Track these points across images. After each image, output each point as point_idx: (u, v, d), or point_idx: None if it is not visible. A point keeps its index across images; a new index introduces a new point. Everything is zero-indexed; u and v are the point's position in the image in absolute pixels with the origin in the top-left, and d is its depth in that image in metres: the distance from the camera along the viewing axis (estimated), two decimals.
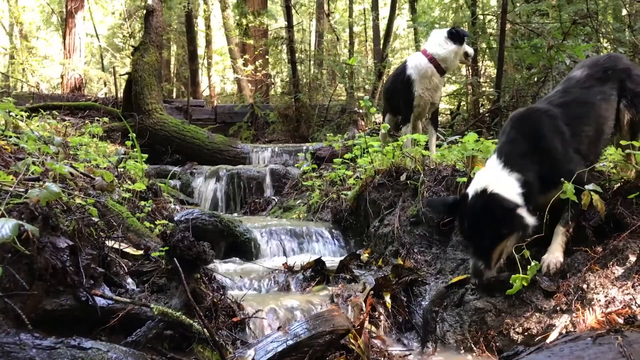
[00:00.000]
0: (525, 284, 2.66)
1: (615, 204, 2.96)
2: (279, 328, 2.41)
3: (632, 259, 2.57)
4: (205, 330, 2.20)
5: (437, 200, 3.36)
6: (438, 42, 5.11)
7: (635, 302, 2.20)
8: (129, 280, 2.63)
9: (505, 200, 2.64)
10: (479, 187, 2.75)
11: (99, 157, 4.97)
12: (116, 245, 2.80)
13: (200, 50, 20.59)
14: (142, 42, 9.63)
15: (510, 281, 2.59)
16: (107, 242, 2.69)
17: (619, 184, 3.04)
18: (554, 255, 2.86)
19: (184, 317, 2.35)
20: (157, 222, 3.54)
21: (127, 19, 17.45)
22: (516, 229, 2.67)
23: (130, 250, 2.85)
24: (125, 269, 2.66)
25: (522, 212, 2.64)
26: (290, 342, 2.27)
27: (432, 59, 5.01)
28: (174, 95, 20.61)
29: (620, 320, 1.93)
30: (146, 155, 5.43)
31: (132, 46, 10.79)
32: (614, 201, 2.98)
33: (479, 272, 2.77)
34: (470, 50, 5.43)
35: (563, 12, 8.15)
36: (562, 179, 2.72)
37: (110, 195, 3.53)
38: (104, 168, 4.48)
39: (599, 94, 3.19)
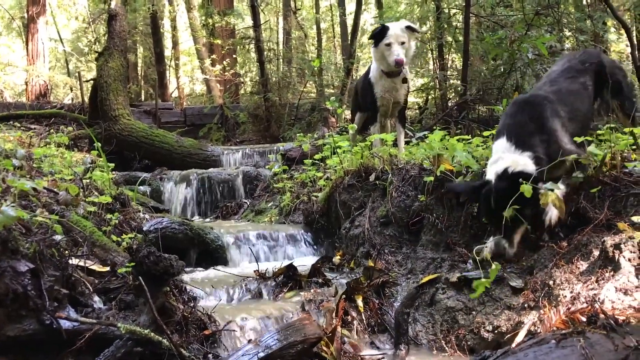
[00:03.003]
0: (488, 286, 2.69)
1: (579, 199, 3.01)
2: (249, 340, 2.39)
3: (596, 253, 2.61)
4: (173, 345, 2.18)
5: (460, 185, 3.42)
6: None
7: (599, 298, 2.24)
8: (96, 298, 2.59)
9: (528, 174, 2.79)
10: (500, 169, 2.92)
11: (65, 169, 4.88)
12: (81, 263, 2.74)
13: (168, 52, 20.33)
14: (106, 47, 9.48)
15: (473, 286, 2.62)
16: (72, 260, 2.64)
17: (581, 178, 3.09)
18: (553, 211, 2.91)
19: (152, 334, 2.32)
20: (124, 236, 3.48)
21: (91, 23, 17.14)
22: (538, 206, 2.80)
23: (97, 267, 2.80)
24: (91, 287, 2.61)
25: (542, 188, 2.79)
26: (261, 355, 2.26)
27: None
28: (142, 97, 20.29)
29: (584, 319, 1.96)
30: (113, 165, 5.34)
31: (96, 51, 10.61)
32: (577, 195, 3.04)
33: (501, 252, 2.87)
34: (390, 56, 4.74)
35: (526, 3, 8.25)
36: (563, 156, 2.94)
37: (75, 210, 3.47)
38: (69, 180, 4.41)
39: (581, 84, 3.52)
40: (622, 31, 8.97)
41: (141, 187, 7.00)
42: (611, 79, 3.68)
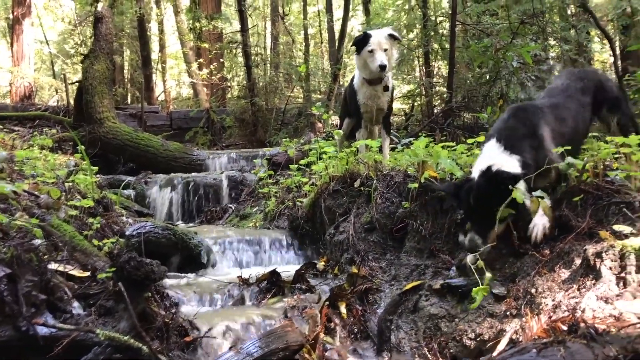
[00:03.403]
0: (485, 294, 2.69)
1: (561, 207, 3.02)
2: (231, 347, 2.37)
3: (577, 261, 2.62)
4: (152, 353, 2.15)
5: (443, 185, 3.45)
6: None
7: (580, 307, 2.25)
8: (75, 304, 2.55)
9: (510, 174, 2.81)
10: (484, 166, 2.94)
11: (47, 172, 4.83)
12: (61, 268, 2.71)
13: (155, 55, 20.25)
14: (91, 50, 9.42)
15: (472, 294, 2.62)
16: (51, 265, 2.61)
17: (564, 188, 3.10)
18: (543, 220, 2.92)
19: (132, 340, 2.29)
20: (105, 240, 3.44)
21: (77, 26, 17.02)
22: (519, 207, 2.83)
23: (76, 273, 2.77)
24: (71, 293, 2.57)
25: (525, 194, 2.81)
26: None
27: None
28: (129, 100, 20.16)
29: (565, 328, 1.96)
30: (96, 168, 5.29)
31: (82, 54, 10.54)
32: (560, 204, 3.05)
33: (474, 246, 2.88)
34: (373, 62, 4.73)
35: (511, 11, 8.33)
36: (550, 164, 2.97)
37: (56, 214, 3.42)
38: (52, 183, 4.35)
39: (578, 103, 3.61)
40: (606, 41, 9.06)
41: (125, 191, 6.95)
42: (607, 95, 3.81)
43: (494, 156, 2.99)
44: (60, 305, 2.46)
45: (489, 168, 2.92)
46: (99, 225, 3.71)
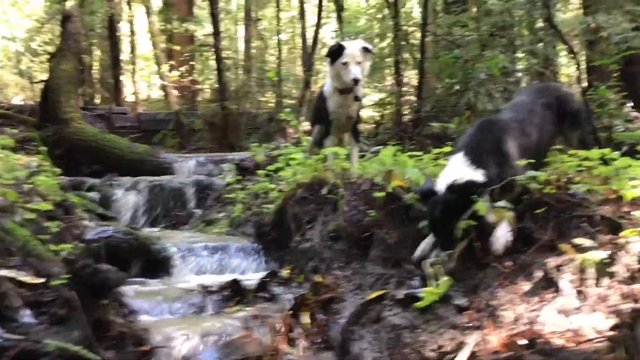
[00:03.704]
0: (437, 299, 2.70)
1: (524, 219, 3.05)
2: (187, 359, 2.31)
3: (539, 274, 2.64)
4: None
5: (421, 189, 3.38)
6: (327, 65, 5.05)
7: (539, 320, 2.26)
8: (26, 312, 2.46)
9: (476, 183, 2.86)
10: (450, 180, 2.96)
11: (6, 172, 4.68)
12: (12, 274, 2.61)
13: (125, 56, 19.95)
14: (59, 49, 9.27)
15: (422, 294, 2.64)
16: (1, 271, 2.51)
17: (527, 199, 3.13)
18: (506, 232, 2.94)
19: (85, 351, 2.22)
20: (63, 245, 3.34)
21: (45, 23, 16.68)
22: (483, 220, 2.88)
23: (29, 279, 2.66)
24: (22, 301, 2.48)
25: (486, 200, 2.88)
26: None
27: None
28: (97, 101, 19.82)
29: (524, 343, 1.96)
30: (59, 170, 5.16)
31: (49, 53, 10.33)
32: (523, 216, 3.07)
33: (440, 262, 2.94)
34: (346, 75, 4.67)
35: (482, 24, 8.44)
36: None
37: (12, 217, 3.31)
38: (10, 185, 4.22)
39: (542, 118, 3.67)
40: (572, 56, 9.25)
41: (89, 194, 6.80)
42: (569, 111, 3.86)
43: (462, 170, 3.02)
44: (10, 314, 2.37)
45: (455, 181, 2.94)
46: (57, 229, 3.60)
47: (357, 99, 5.00)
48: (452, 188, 2.94)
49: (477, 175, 2.98)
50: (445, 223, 2.92)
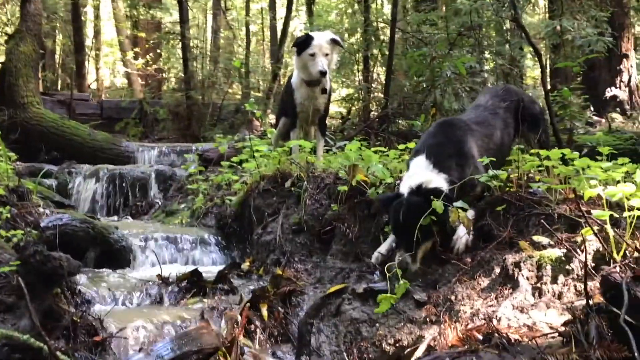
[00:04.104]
0: (393, 302, 2.71)
1: (484, 216, 3.07)
2: (140, 349, 2.26)
3: (497, 270, 2.66)
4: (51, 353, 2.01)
5: (382, 197, 3.39)
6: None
7: (496, 316, 2.27)
8: None
9: (442, 193, 2.87)
10: (414, 184, 2.98)
11: None
12: None
13: (89, 41, 19.48)
14: (17, 30, 8.97)
15: (378, 300, 2.63)
16: None
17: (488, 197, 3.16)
18: (466, 232, 3.00)
19: (33, 339, 2.14)
20: (14, 231, 3.23)
21: (4, 4, 16.14)
22: (446, 224, 2.92)
23: None
24: None
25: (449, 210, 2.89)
26: None
27: None
28: (59, 87, 19.32)
29: (480, 337, 1.98)
30: (15, 155, 5.01)
31: (7, 34, 9.99)
32: (484, 213, 3.10)
33: (404, 267, 2.88)
34: (313, 67, 4.58)
35: (450, 23, 8.49)
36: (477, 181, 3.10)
37: None
38: None
39: (502, 120, 3.72)
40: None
41: (46, 180, 6.62)
42: (529, 113, 3.89)
43: (425, 174, 3.03)
44: None
45: (419, 186, 2.96)
46: (8, 215, 3.48)
47: (325, 91, 4.96)
48: (415, 192, 2.96)
49: (440, 180, 3.01)
50: (409, 226, 2.90)
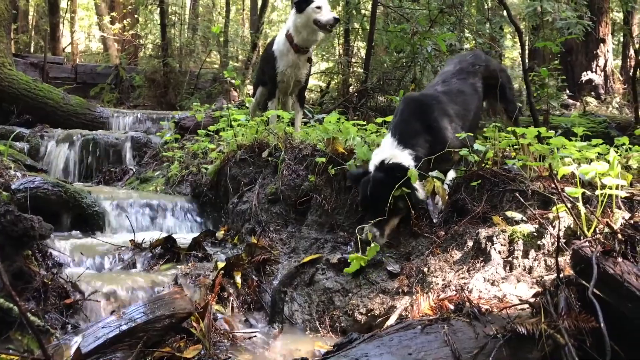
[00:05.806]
0: (363, 264, 2.77)
1: (459, 191, 3.11)
2: (112, 312, 2.24)
3: (470, 243, 2.70)
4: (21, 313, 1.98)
5: (352, 173, 3.42)
6: (290, 17, 4.96)
7: (467, 287, 2.31)
8: None
9: (403, 167, 2.97)
10: (378, 161, 3.09)
11: None
12: None
13: (64, 4, 18.94)
14: None
15: (349, 260, 2.68)
16: None
17: (464, 171, 3.19)
18: (438, 201, 3.13)
19: (2, 300, 2.12)
20: None
21: None
22: (412, 198, 2.99)
23: None
24: None
25: (416, 184, 3.00)
26: (123, 327, 2.12)
27: (288, 36, 4.89)
28: (32, 49, 18.80)
29: (452, 307, 2.01)
30: None
31: None
32: (458, 188, 3.13)
33: (373, 239, 2.96)
34: (323, 16, 4.65)
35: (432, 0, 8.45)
36: (452, 149, 3.17)
37: None
38: None
39: (471, 85, 3.76)
40: (517, 39, 9.46)
41: (18, 143, 6.48)
42: (497, 82, 3.91)
43: (388, 151, 3.14)
44: None
45: (382, 162, 3.06)
46: None
47: (310, 60, 4.96)
48: (379, 168, 3.06)
49: (404, 156, 3.09)
50: (374, 201, 3.01)
